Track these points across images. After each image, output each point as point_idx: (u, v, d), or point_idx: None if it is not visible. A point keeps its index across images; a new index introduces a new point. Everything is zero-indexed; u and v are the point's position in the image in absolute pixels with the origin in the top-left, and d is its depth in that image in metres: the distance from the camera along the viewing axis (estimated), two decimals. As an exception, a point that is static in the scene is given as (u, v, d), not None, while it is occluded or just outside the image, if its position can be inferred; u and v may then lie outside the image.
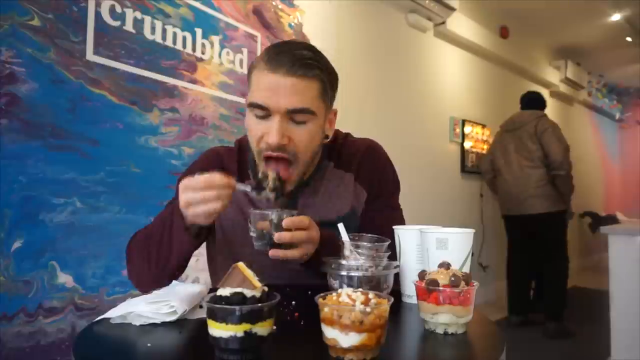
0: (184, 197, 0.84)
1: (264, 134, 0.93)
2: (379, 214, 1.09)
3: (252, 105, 0.93)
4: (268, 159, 0.95)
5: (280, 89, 0.90)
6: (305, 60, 0.92)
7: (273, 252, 0.86)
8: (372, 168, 1.12)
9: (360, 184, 1.10)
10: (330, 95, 1.00)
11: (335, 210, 1.06)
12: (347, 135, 1.17)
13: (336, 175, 1.09)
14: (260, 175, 0.95)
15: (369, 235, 0.93)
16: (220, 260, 1.13)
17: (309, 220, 0.89)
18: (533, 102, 3.68)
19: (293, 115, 0.92)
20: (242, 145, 1.13)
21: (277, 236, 0.85)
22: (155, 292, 0.82)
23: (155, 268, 0.94)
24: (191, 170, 1.07)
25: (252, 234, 0.89)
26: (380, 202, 1.11)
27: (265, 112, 0.93)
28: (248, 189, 0.88)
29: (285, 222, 0.85)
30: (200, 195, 0.82)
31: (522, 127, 3.54)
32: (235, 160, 1.10)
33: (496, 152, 3.74)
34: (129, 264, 1.01)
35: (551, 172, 3.40)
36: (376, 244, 0.91)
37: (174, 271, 0.95)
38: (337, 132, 1.15)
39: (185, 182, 0.84)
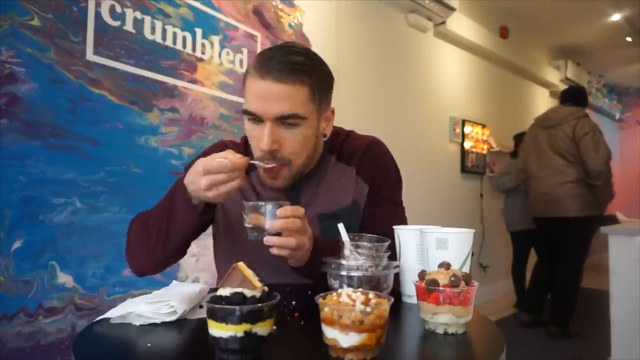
0: (205, 180, 0.84)
1: (258, 139, 0.96)
2: (380, 209, 1.10)
3: (245, 112, 0.96)
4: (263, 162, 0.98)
5: (269, 95, 0.92)
6: (294, 65, 0.93)
7: (267, 239, 0.86)
8: (373, 163, 1.12)
9: (362, 178, 1.10)
10: (322, 97, 1.00)
11: (337, 202, 1.07)
12: (350, 132, 1.18)
13: (338, 169, 1.10)
14: None
15: (369, 235, 0.93)
16: (226, 256, 1.14)
17: (303, 212, 0.89)
18: (573, 97, 3.42)
19: (283, 120, 0.94)
20: (249, 141, 1.16)
21: (270, 223, 0.86)
22: (155, 292, 0.82)
23: (155, 244, 0.95)
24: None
25: (246, 224, 0.89)
26: (381, 197, 1.11)
27: (255, 118, 0.95)
28: (262, 164, 0.90)
29: (280, 212, 0.86)
30: (224, 177, 0.84)
31: (558, 126, 3.29)
32: (242, 152, 1.11)
33: (528, 150, 3.52)
34: (128, 242, 1.02)
35: (588, 180, 3.21)
36: (376, 244, 0.91)
37: (174, 250, 0.97)
38: (340, 128, 1.17)
39: (206, 165, 0.84)
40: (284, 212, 0.85)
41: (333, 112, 1.08)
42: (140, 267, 1.02)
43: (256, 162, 0.93)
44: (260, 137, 0.94)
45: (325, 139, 1.08)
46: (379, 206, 1.10)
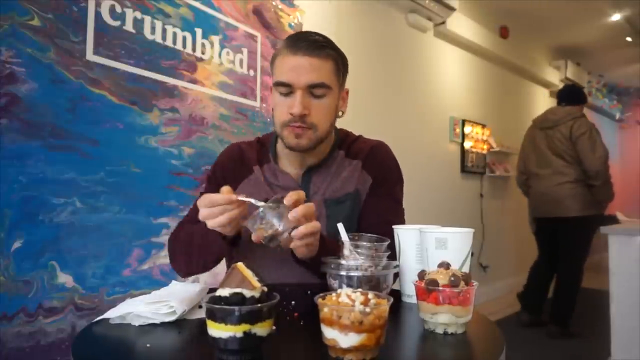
0: (200, 213, 0.92)
1: (288, 107, 1.06)
2: (380, 200, 1.17)
3: (277, 84, 1.06)
4: (291, 126, 1.07)
5: (300, 67, 1.04)
6: (320, 43, 1.06)
7: (297, 232, 0.88)
8: (378, 160, 1.21)
9: (366, 171, 1.19)
10: (344, 73, 1.14)
11: (342, 190, 1.16)
12: (360, 135, 1.28)
13: (345, 162, 1.20)
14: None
15: (369, 235, 0.94)
16: (235, 256, 1.16)
17: (304, 194, 0.92)
18: (568, 97, 3.42)
19: (312, 89, 1.05)
20: (261, 138, 1.27)
21: (291, 213, 0.86)
22: (154, 292, 0.82)
23: (197, 264, 1.09)
24: (215, 165, 1.25)
25: (263, 240, 0.89)
26: (382, 190, 1.19)
27: (288, 89, 1.05)
28: (252, 200, 0.90)
29: (289, 199, 0.87)
30: (207, 212, 0.90)
31: (555, 127, 3.31)
32: (255, 150, 1.22)
33: (527, 151, 3.54)
34: (172, 258, 1.15)
35: (587, 180, 3.21)
36: (376, 243, 0.91)
37: (213, 265, 1.10)
38: (350, 132, 1.28)
39: (199, 201, 0.93)
40: (295, 196, 0.87)
41: (347, 92, 1.20)
42: (185, 275, 1.16)
43: (244, 199, 0.91)
44: (292, 105, 1.05)
45: (341, 116, 1.17)
46: (379, 197, 1.17)
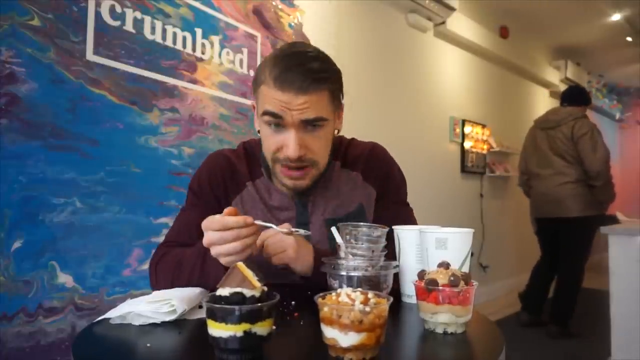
0: (205, 238, 0.83)
1: (281, 145, 0.95)
2: (389, 212, 1.10)
3: (267, 114, 0.94)
4: (286, 167, 0.98)
5: (292, 105, 0.92)
6: (314, 75, 0.92)
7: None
8: (377, 167, 1.14)
9: (368, 183, 1.12)
10: (338, 97, 1.02)
11: (344, 207, 1.08)
12: (352, 139, 1.20)
13: (343, 175, 1.12)
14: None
15: (367, 224, 0.91)
16: None
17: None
18: (570, 98, 3.43)
19: (307, 124, 0.94)
20: (249, 148, 1.14)
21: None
22: (155, 292, 0.82)
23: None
24: (200, 176, 1.10)
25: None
26: (389, 199, 1.13)
27: (277, 122, 0.94)
28: (272, 225, 0.86)
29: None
30: (216, 236, 0.80)
31: (557, 127, 3.32)
32: (244, 162, 1.10)
33: (528, 151, 3.54)
34: (155, 282, 0.99)
35: (588, 180, 3.22)
36: (372, 242, 0.90)
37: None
38: (342, 137, 1.18)
39: (205, 223, 0.82)
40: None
41: (342, 108, 1.09)
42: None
43: (261, 223, 0.86)
44: (286, 144, 0.94)
45: (337, 134, 1.09)
46: (388, 208, 1.11)
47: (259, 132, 1.04)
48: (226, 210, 0.83)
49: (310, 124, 0.94)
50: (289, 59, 0.94)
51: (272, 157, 0.98)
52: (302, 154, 0.95)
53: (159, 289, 0.94)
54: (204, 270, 0.89)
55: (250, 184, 1.07)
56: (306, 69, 0.92)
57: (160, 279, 0.97)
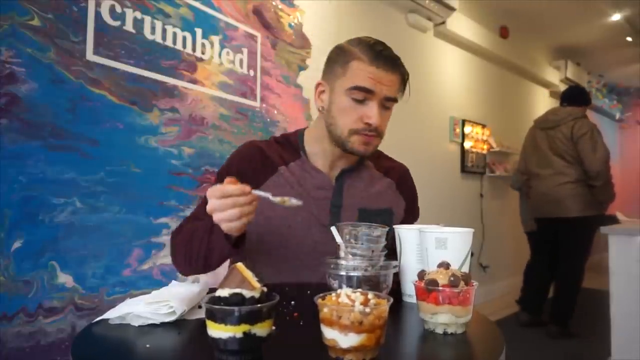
0: (208, 205, 0.87)
1: (362, 115, 1.07)
2: None
3: (357, 88, 1.06)
4: (364, 135, 1.08)
5: (383, 80, 1.06)
6: (397, 60, 1.10)
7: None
8: (409, 184, 1.28)
9: (400, 193, 1.24)
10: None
11: (376, 203, 1.17)
12: (381, 151, 1.30)
13: (377, 175, 1.23)
14: None
15: (367, 224, 0.92)
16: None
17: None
18: (569, 98, 3.43)
19: (386, 102, 1.09)
20: (280, 138, 1.23)
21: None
22: (154, 292, 0.82)
23: (197, 264, 1.03)
24: (230, 163, 1.18)
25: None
26: (411, 216, 1.25)
27: (365, 96, 1.06)
28: (268, 195, 0.87)
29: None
30: (217, 203, 0.85)
31: (557, 127, 3.32)
32: (276, 148, 1.18)
33: (528, 151, 3.55)
34: (174, 254, 1.09)
35: (587, 180, 3.22)
36: (372, 245, 0.90)
37: (215, 267, 1.04)
38: None
39: (209, 192, 0.87)
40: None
41: None
42: (187, 274, 1.14)
43: (260, 193, 0.88)
44: (368, 114, 1.06)
45: None
46: (409, 224, 1.19)
47: (320, 109, 1.14)
48: (227, 179, 0.87)
49: (388, 102, 1.09)
50: (377, 45, 1.10)
51: (350, 127, 1.08)
52: (379, 124, 1.08)
53: (176, 261, 1.09)
54: (210, 244, 0.96)
55: (284, 168, 1.14)
56: (392, 54, 1.10)
57: (176, 252, 1.07)
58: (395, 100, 1.11)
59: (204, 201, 1.09)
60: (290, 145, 1.20)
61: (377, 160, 1.25)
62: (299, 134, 1.21)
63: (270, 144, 1.20)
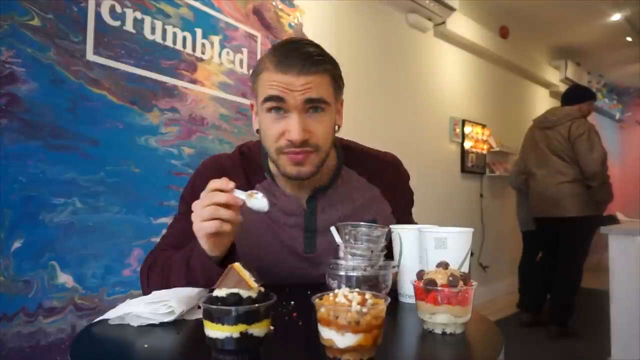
0: (195, 224, 0.83)
1: (283, 131, 0.94)
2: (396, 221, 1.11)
3: (269, 99, 0.93)
4: (290, 153, 0.95)
5: (295, 86, 0.91)
6: (314, 57, 0.93)
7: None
8: (397, 184, 1.15)
9: (386, 198, 1.12)
10: (339, 86, 1.02)
11: (357, 216, 1.05)
12: (364, 147, 1.19)
13: (361, 184, 1.11)
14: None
15: (366, 224, 0.91)
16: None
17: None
18: (568, 97, 3.47)
19: (310, 106, 0.93)
20: (246, 152, 1.11)
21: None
22: (154, 292, 0.82)
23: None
24: (193, 185, 1.07)
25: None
26: (400, 212, 1.14)
27: (281, 105, 0.93)
28: (243, 196, 0.83)
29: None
30: (201, 212, 0.81)
31: (554, 127, 3.34)
32: (241, 169, 1.07)
33: (527, 150, 3.56)
34: (147, 288, 0.97)
35: (585, 181, 3.23)
36: (371, 245, 0.90)
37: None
38: (348, 142, 1.17)
39: (192, 214, 0.83)
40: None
41: (342, 103, 1.08)
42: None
43: (239, 192, 0.83)
44: (288, 129, 0.93)
45: (338, 131, 1.07)
46: (398, 219, 1.12)
47: (257, 131, 1.02)
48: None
49: (312, 106, 0.94)
50: (288, 46, 0.96)
51: (275, 147, 0.96)
52: (306, 138, 0.93)
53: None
54: (189, 268, 0.88)
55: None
56: (305, 51, 0.93)
57: (151, 284, 0.95)
58: (322, 101, 0.94)
59: (174, 230, 1.05)
60: (255, 164, 1.08)
61: (361, 164, 1.12)
62: (262, 150, 1.06)
63: (234, 161, 1.09)
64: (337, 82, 1.00)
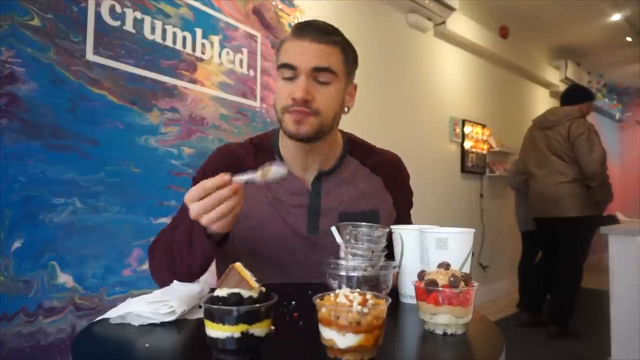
0: (191, 212, 0.83)
1: (290, 92, 1.00)
2: (399, 221, 1.15)
3: (282, 66, 1.01)
4: (292, 112, 1.00)
5: (306, 52, 0.99)
6: (328, 29, 1.03)
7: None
8: (398, 179, 1.19)
9: (388, 190, 1.16)
10: (351, 64, 1.07)
11: (359, 204, 1.10)
12: (370, 144, 1.23)
13: (364, 173, 1.15)
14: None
15: (367, 224, 0.91)
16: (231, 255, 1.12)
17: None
18: (567, 97, 3.47)
19: (317, 74, 1.00)
20: (257, 141, 1.16)
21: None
22: (155, 292, 0.82)
23: (179, 273, 0.95)
24: (205, 169, 1.12)
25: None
26: (401, 208, 1.18)
27: (292, 73, 1.00)
28: (246, 177, 0.83)
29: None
30: (202, 204, 0.81)
31: (554, 127, 3.34)
32: (250, 152, 1.12)
33: (526, 150, 3.57)
34: (152, 265, 1.04)
35: (585, 181, 3.23)
36: (372, 245, 0.90)
37: (197, 275, 0.98)
38: (351, 135, 1.22)
39: (187, 196, 0.83)
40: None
41: (355, 88, 1.13)
42: (164, 285, 1.00)
43: (238, 178, 0.82)
44: (294, 89, 0.99)
45: (347, 112, 1.12)
46: (399, 217, 1.16)
47: (275, 98, 1.07)
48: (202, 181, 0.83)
49: (320, 74, 1.00)
50: (308, 21, 1.05)
51: (281, 107, 1.02)
52: (308, 99, 0.99)
53: (156, 273, 1.02)
54: (192, 241, 0.90)
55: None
56: (321, 23, 1.03)
57: (157, 262, 1.01)
58: (329, 70, 1.00)
59: (182, 211, 1.06)
60: (265, 148, 1.13)
61: (364, 156, 1.17)
62: (273, 135, 1.14)
63: (245, 147, 1.14)
64: (348, 57, 1.05)
